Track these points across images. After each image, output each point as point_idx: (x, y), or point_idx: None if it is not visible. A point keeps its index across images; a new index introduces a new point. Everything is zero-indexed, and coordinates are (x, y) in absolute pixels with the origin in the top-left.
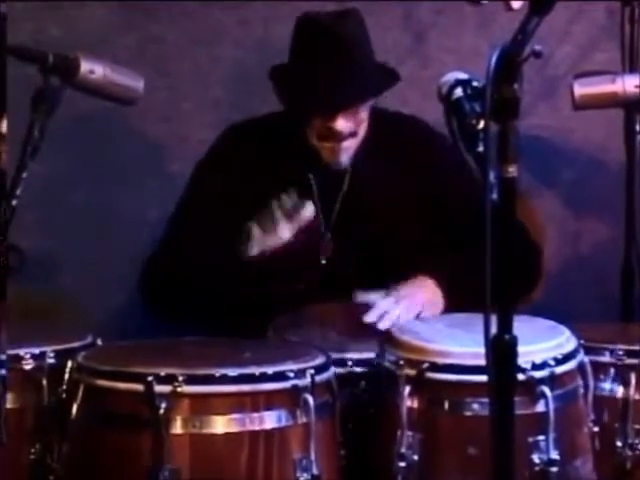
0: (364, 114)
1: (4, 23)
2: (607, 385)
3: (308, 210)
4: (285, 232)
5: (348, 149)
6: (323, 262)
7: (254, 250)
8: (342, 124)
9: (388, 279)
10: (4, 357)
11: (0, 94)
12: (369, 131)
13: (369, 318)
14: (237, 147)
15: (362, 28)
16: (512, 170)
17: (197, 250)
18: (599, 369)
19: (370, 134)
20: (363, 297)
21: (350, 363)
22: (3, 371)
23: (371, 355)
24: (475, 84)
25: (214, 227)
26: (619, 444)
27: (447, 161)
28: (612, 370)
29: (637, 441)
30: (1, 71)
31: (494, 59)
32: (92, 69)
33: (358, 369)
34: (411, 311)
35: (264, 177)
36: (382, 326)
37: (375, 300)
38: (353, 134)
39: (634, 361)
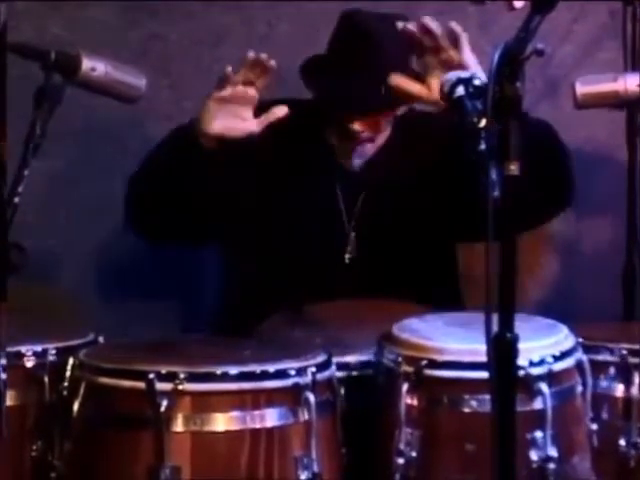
0: (386, 121)
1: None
2: (607, 384)
3: (280, 108)
4: (252, 125)
5: (364, 153)
6: (347, 261)
7: (214, 127)
8: (359, 126)
9: (414, 279)
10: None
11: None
12: (392, 132)
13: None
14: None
15: (403, 37)
16: (514, 168)
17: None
18: (599, 367)
19: (393, 135)
20: None
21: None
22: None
23: (366, 357)
24: (477, 82)
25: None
26: (622, 443)
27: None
28: (612, 369)
29: None
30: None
31: (496, 57)
32: (94, 66)
33: (355, 372)
34: None
35: (283, 165)
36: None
37: None
38: (370, 140)
39: (637, 360)
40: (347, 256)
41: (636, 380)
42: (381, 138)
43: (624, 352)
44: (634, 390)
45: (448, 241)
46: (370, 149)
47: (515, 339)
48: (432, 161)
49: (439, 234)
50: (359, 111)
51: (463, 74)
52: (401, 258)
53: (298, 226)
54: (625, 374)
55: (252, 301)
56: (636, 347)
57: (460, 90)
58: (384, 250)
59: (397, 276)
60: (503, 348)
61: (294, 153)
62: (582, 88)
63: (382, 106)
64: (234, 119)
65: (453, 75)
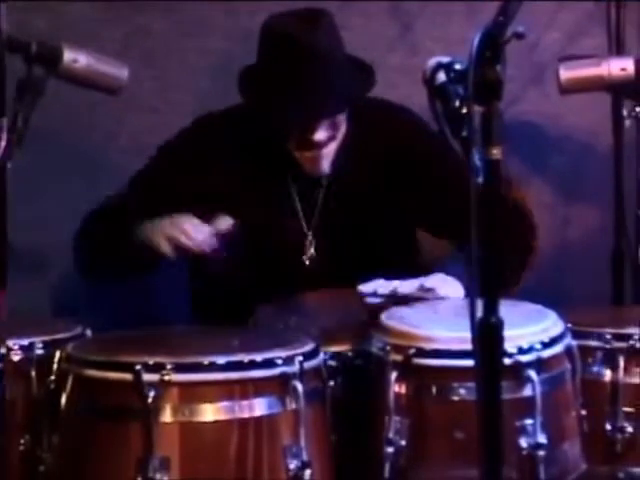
0: (342, 117)
1: None
2: (595, 369)
3: (223, 221)
4: (204, 245)
5: (328, 154)
6: (307, 263)
7: (164, 248)
8: (320, 134)
9: (375, 275)
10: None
11: None
12: (349, 126)
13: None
14: (212, 140)
15: (332, 31)
16: (496, 152)
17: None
18: (587, 353)
19: (350, 130)
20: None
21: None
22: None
23: (355, 346)
24: (457, 67)
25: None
26: (609, 427)
27: (435, 149)
28: (600, 354)
29: (627, 424)
30: None
31: (476, 41)
32: (75, 58)
33: (334, 362)
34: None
35: (242, 176)
36: (381, 290)
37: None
38: (332, 138)
39: (622, 344)
40: (305, 257)
41: (621, 364)
42: (340, 132)
43: (609, 337)
44: (620, 374)
45: (409, 231)
46: (333, 147)
47: (500, 323)
48: (389, 152)
49: (400, 225)
50: (316, 118)
51: (443, 59)
52: (361, 255)
53: (258, 232)
54: (611, 359)
55: (219, 302)
56: (621, 332)
57: (441, 76)
58: (343, 249)
59: (357, 274)
60: (488, 333)
61: (250, 162)
62: (566, 73)
63: (336, 107)
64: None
65: (433, 61)
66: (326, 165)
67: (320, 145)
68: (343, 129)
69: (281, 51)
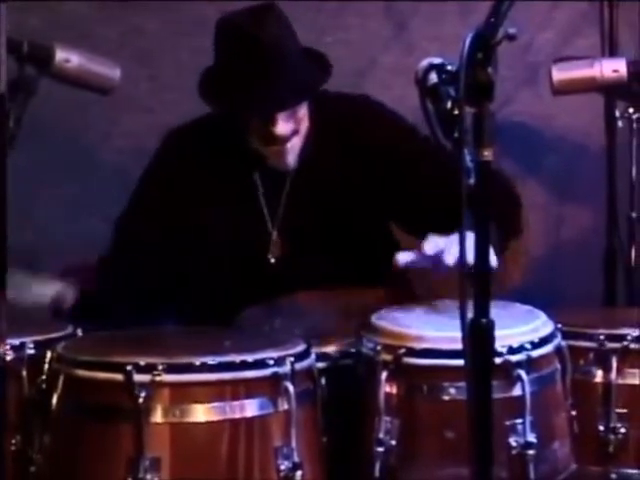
0: (303, 111)
1: None
2: (586, 369)
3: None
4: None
5: (293, 148)
6: (272, 261)
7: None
8: (282, 127)
9: (342, 277)
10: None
11: None
12: (314, 120)
13: (429, 250)
14: (178, 153)
15: (283, 23)
16: (488, 154)
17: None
18: (579, 353)
19: (315, 123)
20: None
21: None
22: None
23: (345, 346)
24: (449, 68)
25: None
26: (601, 428)
27: (404, 142)
28: (591, 354)
29: (619, 425)
30: None
31: (468, 42)
32: (67, 58)
33: (322, 363)
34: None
35: (208, 182)
36: (448, 260)
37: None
38: (295, 132)
39: (615, 345)
40: (270, 256)
41: (614, 365)
42: (303, 127)
43: (602, 337)
44: (613, 375)
45: (381, 225)
46: (297, 142)
47: (491, 324)
48: (356, 142)
49: (369, 220)
50: (275, 110)
51: (435, 60)
52: (328, 252)
53: (225, 233)
54: (604, 360)
55: (200, 304)
56: (614, 332)
57: (433, 77)
58: (308, 247)
59: (324, 272)
60: (479, 333)
61: (217, 167)
62: (559, 74)
63: (293, 98)
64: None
65: (425, 62)
66: (291, 159)
67: (283, 139)
68: (306, 123)
69: (233, 48)
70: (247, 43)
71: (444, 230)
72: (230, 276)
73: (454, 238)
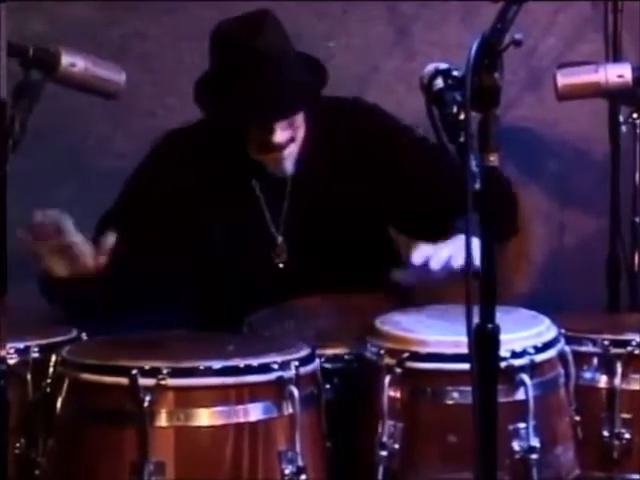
0: (300, 118)
1: None
2: (590, 375)
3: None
4: (90, 260)
5: (290, 155)
6: (280, 266)
7: (59, 273)
8: (280, 135)
9: (351, 279)
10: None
11: None
12: (308, 127)
13: (416, 260)
14: (176, 156)
15: (278, 30)
16: (493, 159)
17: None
18: (583, 359)
19: (313, 129)
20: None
21: (324, 359)
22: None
23: (349, 350)
24: (455, 74)
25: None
26: (606, 434)
27: (403, 145)
28: (595, 360)
29: (624, 430)
30: None
31: (474, 48)
32: (73, 62)
33: (329, 365)
34: (460, 251)
35: (205, 185)
36: (434, 265)
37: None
38: (292, 139)
39: (620, 351)
40: (278, 261)
41: (619, 371)
42: (300, 133)
43: (606, 343)
44: (617, 381)
45: (381, 228)
46: (294, 149)
47: (496, 330)
48: (352, 146)
49: (370, 222)
50: (272, 120)
51: (441, 65)
52: (333, 255)
53: (229, 241)
54: (608, 365)
55: (196, 310)
56: (619, 338)
57: (439, 82)
58: (315, 250)
59: (332, 274)
60: (484, 339)
61: (215, 173)
62: (563, 79)
63: (291, 107)
64: (72, 260)
65: (431, 67)
66: (289, 165)
67: (280, 147)
68: (302, 130)
69: (229, 56)
70: (243, 52)
71: (441, 232)
72: (238, 282)
73: (441, 245)
